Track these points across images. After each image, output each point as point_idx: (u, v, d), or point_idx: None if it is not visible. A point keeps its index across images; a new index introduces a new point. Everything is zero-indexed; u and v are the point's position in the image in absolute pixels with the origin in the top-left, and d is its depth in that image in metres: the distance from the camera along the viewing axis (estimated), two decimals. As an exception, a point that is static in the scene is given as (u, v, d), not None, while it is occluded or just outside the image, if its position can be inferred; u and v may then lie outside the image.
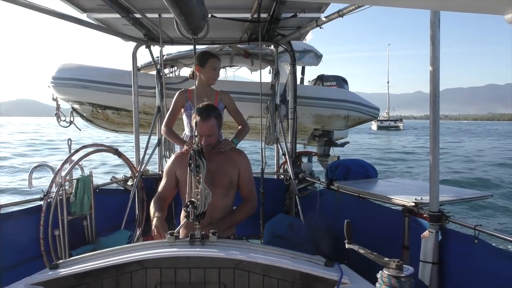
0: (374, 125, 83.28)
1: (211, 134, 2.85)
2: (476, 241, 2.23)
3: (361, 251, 1.83)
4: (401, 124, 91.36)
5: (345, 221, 1.92)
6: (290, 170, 4.64)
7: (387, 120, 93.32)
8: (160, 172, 4.97)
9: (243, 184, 3.05)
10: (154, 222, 2.64)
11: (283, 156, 5.12)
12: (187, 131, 3.81)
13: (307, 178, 4.53)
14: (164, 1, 1.57)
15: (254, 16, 4.01)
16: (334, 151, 7.39)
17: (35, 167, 3.47)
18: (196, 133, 2.84)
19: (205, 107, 2.85)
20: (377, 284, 1.65)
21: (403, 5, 1.03)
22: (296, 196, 4.32)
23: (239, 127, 3.75)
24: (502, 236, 2.18)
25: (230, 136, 3.55)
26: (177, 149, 4.21)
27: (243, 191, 3.08)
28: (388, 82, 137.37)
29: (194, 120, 2.84)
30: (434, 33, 2.38)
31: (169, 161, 3.09)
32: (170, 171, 2.99)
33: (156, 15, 4.08)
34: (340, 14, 3.45)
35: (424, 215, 2.58)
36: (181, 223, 2.64)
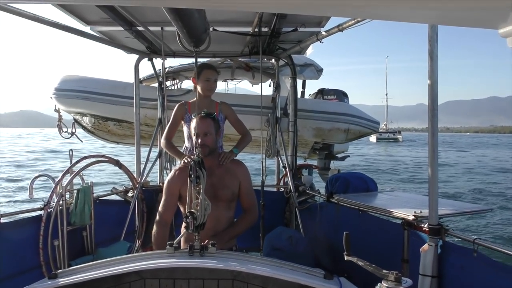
0: (373, 137, 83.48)
1: (207, 133, 2.88)
2: (475, 254, 2.23)
3: (360, 263, 1.83)
4: (400, 136, 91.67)
5: (344, 233, 1.92)
6: (290, 183, 4.65)
7: (386, 132, 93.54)
8: (160, 184, 4.98)
9: (244, 195, 3.06)
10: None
11: (283, 169, 5.13)
12: (187, 143, 3.82)
13: (307, 191, 4.53)
14: (167, 15, 1.60)
15: (255, 30, 4.06)
16: (334, 165, 7.39)
17: (36, 177, 3.48)
18: (194, 132, 2.88)
19: (204, 112, 2.95)
20: None
21: (400, 19, 1.06)
22: (296, 209, 4.32)
23: (241, 136, 3.76)
24: (501, 250, 2.17)
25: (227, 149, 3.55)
26: (179, 161, 4.22)
27: (243, 202, 3.08)
28: (386, 94, 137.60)
29: (193, 125, 2.90)
30: (432, 48, 2.41)
31: (170, 176, 3.07)
32: (173, 187, 2.97)
33: (158, 28, 4.13)
34: (340, 28, 3.49)
35: (424, 228, 2.58)
36: (181, 234, 2.65)
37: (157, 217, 2.97)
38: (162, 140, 3.72)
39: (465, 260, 2.32)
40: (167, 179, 3.10)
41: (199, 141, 2.86)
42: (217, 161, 3.04)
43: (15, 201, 13.31)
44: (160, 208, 3.00)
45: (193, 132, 2.91)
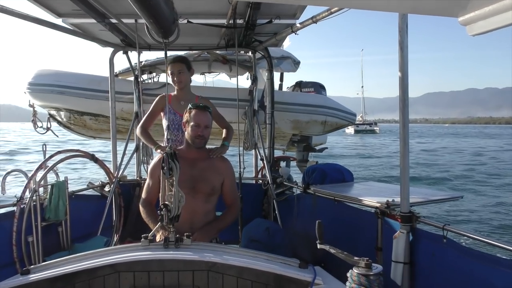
0: (350, 129, 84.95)
1: (208, 126, 2.95)
2: (444, 240, 2.29)
3: (332, 250, 1.86)
4: (377, 128, 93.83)
5: (317, 221, 1.95)
6: (268, 175, 4.67)
7: (363, 124, 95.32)
8: (137, 178, 4.96)
9: (227, 192, 3.10)
10: (154, 226, 2.64)
11: (261, 161, 5.14)
12: (166, 134, 3.82)
13: (285, 183, 4.56)
14: (132, 5, 1.58)
15: (230, 22, 4.04)
16: (312, 157, 7.46)
17: (8, 172, 3.41)
18: (190, 127, 2.89)
19: (201, 104, 3.01)
20: (347, 283, 1.68)
21: (371, 8, 1.08)
22: (274, 201, 4.35)
23: (224, 130, 3.77)
24: (470, 235, 2.24)
25: (210, 143, 3.55)
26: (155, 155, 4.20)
27: (227, 198, 3.12)
28: (362, 86, 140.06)
29: (189, 114, 2.92)
30: (402, 38, 2.45)
31: (153, 162, 3.12)
32: (154, 173, 3.00)
33: (132, 21, 4.07)
34: (314, 20, 3.51)
35: (396, 216, 2.63)
36: (155, 227, 2.64)
37: (141, 199, 3.03)
38: (138, 128, 3.72)
39: (435, 246, 2.37)
40: (150, 164, 3.15)
41: (200, 132, 2.90)
42: (203, 155, 3.07)
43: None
44: (143, 190, 3.06)
45: (191, 122, 2.92)
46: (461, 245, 2.28)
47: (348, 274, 1.68)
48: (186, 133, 3.00)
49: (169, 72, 3.72)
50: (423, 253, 2.46)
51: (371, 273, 1.63)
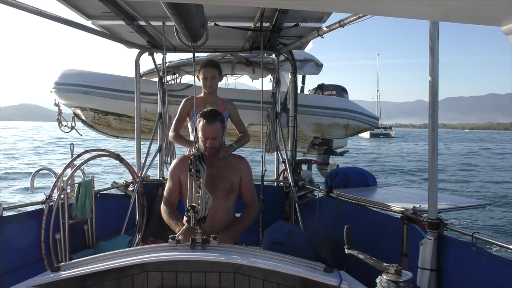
0: (366, 133, 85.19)
1: (216, 137, 2.91)
2: (473, 248, 2.25)
3: (361, 256, 1.85)
4: (393, 132, 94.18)
5: (345, 226, 1.94)
6: (290, 178, 4.67)
7: (378, 128, 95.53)
8: (160, 178, 5.01)
9: (245, 191, 3.10)
10: (177, 229, 2.68)
11: (283, 164, 5.14)
12: (192, 137, 3.85)
13: (307, 186, 4.55)
14: (165, 10, 1.61)
15: (257, 25, 4.06)
16: (333, 160, 7.43)
17: (38, 171, 3.49)
18: (199, 137, 2.89)
19: (210, 111, 2.92)
20: None
21: (403, 15, 1.07)
22: (296, 203, 4.34)
23: (240, 134, 3.80)
24: (499, 243, 2.20)
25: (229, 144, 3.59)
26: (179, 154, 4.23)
27: (245, 196, 3.12)
28: (378, 91, 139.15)
29: (199, 124, 2.91)
30: (434, 44, 2.43)
31: (173, 164, 3.14)
32: (174, 174, 3.04)
33: (160, 23, 4.12)
34: (341, 24, 3.50)
35: (423, 223, 2.60)
36: (183, 228, 2.67)
37: (163, 200, 3.05)
38: (170, 133, 3.78)
39: (464, 254, 2.34)
40: (170, 166, 3.16)
41: (208, 144, 2.90)
42: (218, 154, 3.07)
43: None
44: (165, 192, 3.08)
45: (200, 134, 2.92)
46: (491, 254, 2.25)
47: (377, 280, 1.67)
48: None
49: (200, 75, 3.73)
50: (451, 260, 2.43)
51: (401, 280, 1.62)
